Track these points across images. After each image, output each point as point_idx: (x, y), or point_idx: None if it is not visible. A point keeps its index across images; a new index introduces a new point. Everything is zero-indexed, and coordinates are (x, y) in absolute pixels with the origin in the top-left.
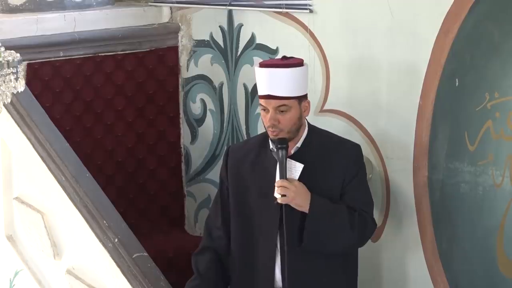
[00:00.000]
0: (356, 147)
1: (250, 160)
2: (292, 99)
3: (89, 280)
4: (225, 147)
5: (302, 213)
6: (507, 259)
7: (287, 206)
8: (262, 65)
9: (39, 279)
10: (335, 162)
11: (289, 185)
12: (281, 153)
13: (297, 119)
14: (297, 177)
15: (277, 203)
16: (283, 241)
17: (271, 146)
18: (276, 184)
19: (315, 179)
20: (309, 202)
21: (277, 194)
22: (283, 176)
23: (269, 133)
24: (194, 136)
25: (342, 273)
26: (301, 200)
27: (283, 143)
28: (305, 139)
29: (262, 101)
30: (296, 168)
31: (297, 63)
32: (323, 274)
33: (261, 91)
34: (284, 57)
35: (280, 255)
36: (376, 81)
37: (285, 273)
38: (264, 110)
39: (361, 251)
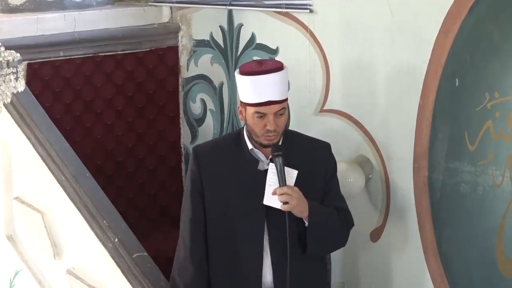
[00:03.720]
0: (328, 145)
1: (226, 162)
2: (287, 100)
3: (89, 280)
4: None
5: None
6: (507, 259)
7: (287, 213)
8: (252, 72)
9: (39, 279)
10: (316, 163)
11: (291, 192)
12: (279, 160)
13: (287, 119)
14: (293, 184)
15: (263, 205)
16: (274, 245)
17: (250, 147)
18: (277, 192)
19: (301, 182)
20: (308, 208)
21: (267, 201)
22: (283, 183)
23: (265, 139)
24: (194, 136)
25: (325, 274)
26: (301, 206)
27: (279, 149)
28: (283, 141)
29: (260, 108)
30: (291, 174)
31: (280, 64)
32: (312, 275)
33: (258, 99)
34: (258, 61)
35: (276, 261)
36: (376, 81)
37: (286, 278)
38: (261, 117)
39: (361, 251)
